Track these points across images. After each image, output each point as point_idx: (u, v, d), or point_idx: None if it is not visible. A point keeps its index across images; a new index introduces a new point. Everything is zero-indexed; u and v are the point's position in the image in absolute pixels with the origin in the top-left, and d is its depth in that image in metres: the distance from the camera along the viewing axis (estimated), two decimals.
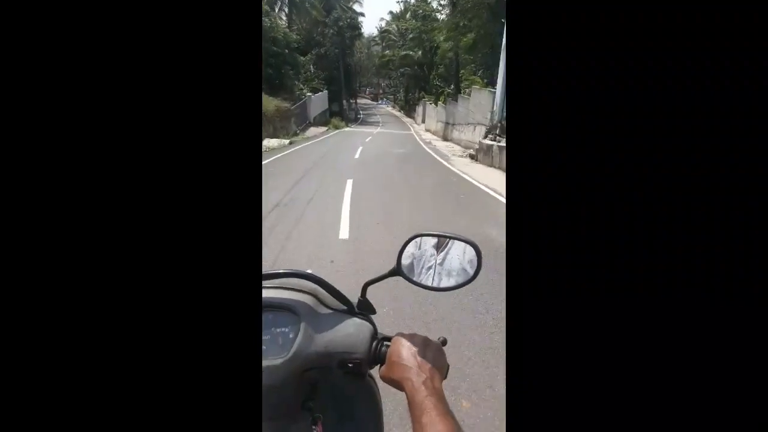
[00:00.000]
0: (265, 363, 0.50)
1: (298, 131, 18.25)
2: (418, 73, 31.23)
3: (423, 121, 26.49)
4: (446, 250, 0.54)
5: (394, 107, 49.12)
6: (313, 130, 20.35)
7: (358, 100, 50.40)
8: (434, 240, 0.55)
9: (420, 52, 29.50)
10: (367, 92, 64.31)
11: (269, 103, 14.84)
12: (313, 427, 0.54)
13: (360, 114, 38.59)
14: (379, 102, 58.36)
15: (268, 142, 12.60)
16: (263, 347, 0.52)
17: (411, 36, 30.61)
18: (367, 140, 16.55)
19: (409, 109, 36.53)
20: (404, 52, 30.84)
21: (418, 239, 0.55)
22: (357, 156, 11.31)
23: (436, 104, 21.98)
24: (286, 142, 14.08)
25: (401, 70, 34.69)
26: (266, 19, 17.21)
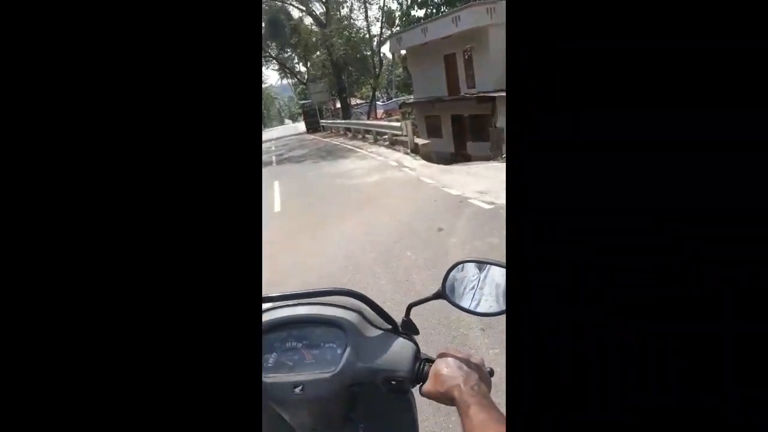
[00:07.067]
0: (314, 376, 0.54)
1: None
2: None
3: None
4: (486, 274, 0.58)
5: None
6: None
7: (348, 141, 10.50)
8: (475, 265, 0.59)
9: None
10: (379, 112, 21.79)
11: None
12: None
13: None
14: None
15: None
16: (312, 361, 0.56)
17: None
18: None
19: None
20: None
21: (461, 265, 0.59)
22: None
23: None
24: None
25: None
26: None
